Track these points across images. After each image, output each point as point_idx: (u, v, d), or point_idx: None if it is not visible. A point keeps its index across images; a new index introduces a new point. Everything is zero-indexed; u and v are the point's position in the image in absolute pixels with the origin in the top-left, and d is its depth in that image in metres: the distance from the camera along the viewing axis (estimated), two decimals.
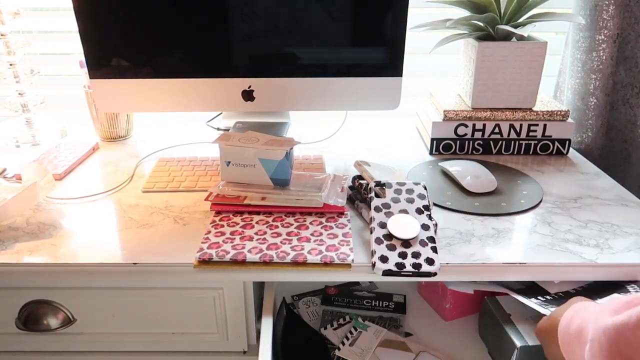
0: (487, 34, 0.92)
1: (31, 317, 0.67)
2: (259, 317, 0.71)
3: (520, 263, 0.61)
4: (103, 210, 0.74)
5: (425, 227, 0.64)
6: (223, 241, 0.63)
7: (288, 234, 0.65)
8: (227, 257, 0.59)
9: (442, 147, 0.93)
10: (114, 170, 0.87)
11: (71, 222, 0.70)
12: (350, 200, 0.75)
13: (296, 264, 0.59)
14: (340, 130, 1.04)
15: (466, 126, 0.92)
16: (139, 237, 0.66)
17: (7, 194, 0.72)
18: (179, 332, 0.69)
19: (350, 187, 0.77)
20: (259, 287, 0.74)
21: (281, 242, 0.63)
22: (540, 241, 0.65)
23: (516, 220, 0.71)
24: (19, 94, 0.97)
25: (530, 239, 0.66)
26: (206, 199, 0.72)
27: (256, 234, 0.65)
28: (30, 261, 0.61)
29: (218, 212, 0.71)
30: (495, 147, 0.93)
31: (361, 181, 0.75)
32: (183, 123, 1.12)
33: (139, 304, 0.67)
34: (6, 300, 0.66)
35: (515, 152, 0.94)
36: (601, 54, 0.95)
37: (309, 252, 0.60)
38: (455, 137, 0.92)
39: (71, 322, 0.67)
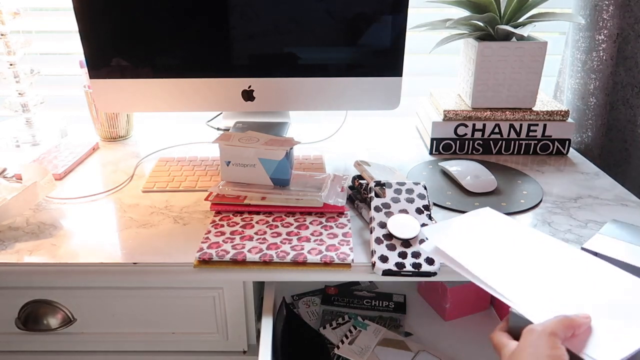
0: (487, 34, 0.92)
1: (31, 317, 0.67)
2: (259, 317, 0.71)
3: None
4: (103, 210, 0.74)
5: (425, 226, 0.64)
6: (223, 241, 0.63)
7: (288, 233, 0.65)
8: (227, 257, 0.59)
9: (442, 147, 0.93)
10: (114, 170, 0.87)
11: (71, 222, 0.70)
12: (350, 200, 0.75)
13: (296, 263, 0.59)
14: (340, 130, 1.04)
15: (466, 126, 0.92)
16: (139, 237, 0.66)
17: (7, 194, 0.72)
18: (179, 332, 0.69)
19: (350, 187, 0.77)
20: (259, 287, 0.74)
21: (281, 241, 0.63)
22: None
23: (516, 220, 0.71)
24: (19, 94, 0.97)
25: None
26: (206, 199, 0.72)
27: (256, 233, 0.65)
28: (30, 261, 0.61)
29: (218, 212, 0.71)
30: (495, 147, 0.93)
31: (361, 181, 0.75)
32: (183, 123, 1.12)
33: (139, 304, 0.67)
34: (6, 300, 0.66)
35: (515, 152, 0.94)
36: (601, 54, 0.95)
37: (308, 252, 0.60)
38: (455, 137, 0.92)
39: (71, 322, 0.67)
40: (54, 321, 0.67)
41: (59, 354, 0.71)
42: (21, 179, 0.77)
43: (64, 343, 0.70)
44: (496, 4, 0.88)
